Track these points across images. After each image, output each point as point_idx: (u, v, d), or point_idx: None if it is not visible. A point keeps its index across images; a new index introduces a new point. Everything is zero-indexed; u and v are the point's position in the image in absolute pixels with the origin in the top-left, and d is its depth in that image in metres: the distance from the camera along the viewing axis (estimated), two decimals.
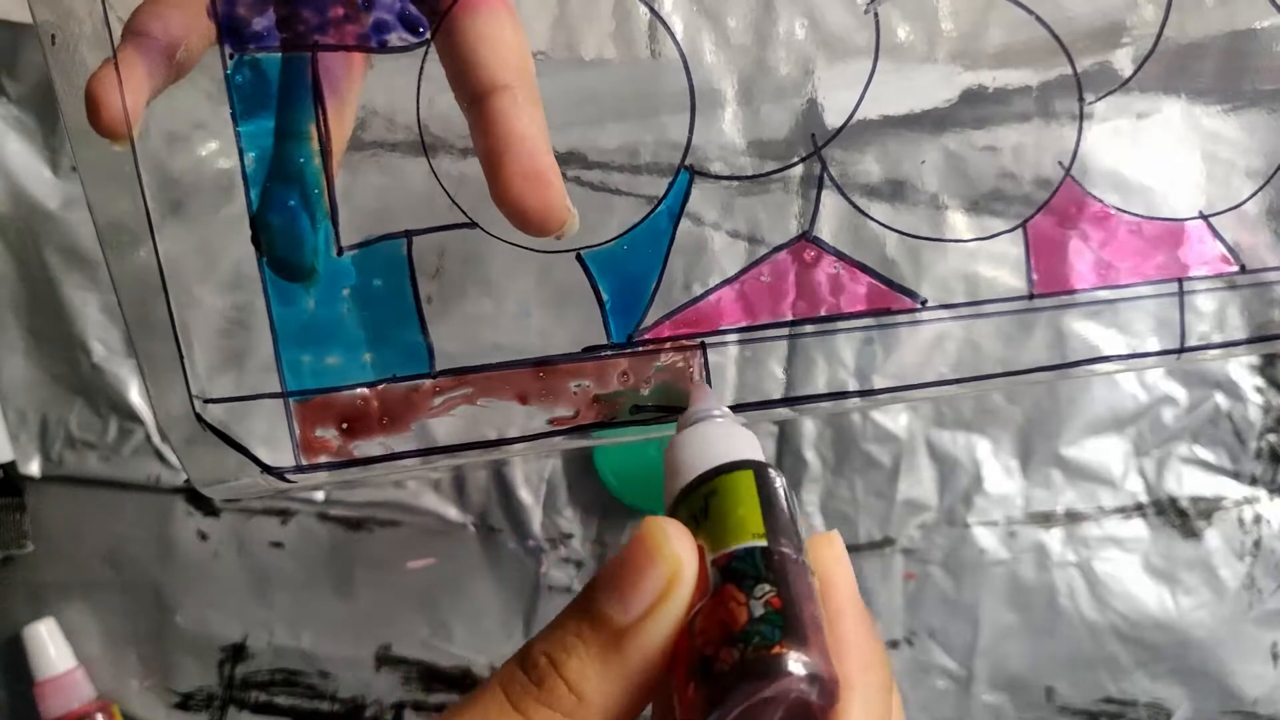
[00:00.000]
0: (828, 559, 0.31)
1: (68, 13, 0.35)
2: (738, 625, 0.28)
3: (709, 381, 0.41)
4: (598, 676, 0.29)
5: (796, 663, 0.27)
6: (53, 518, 0.71)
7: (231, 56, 0.35)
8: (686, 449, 0.33)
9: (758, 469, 0.32)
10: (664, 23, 0.40)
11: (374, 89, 0.38)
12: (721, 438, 0.34)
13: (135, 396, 0.71)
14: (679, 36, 0.40)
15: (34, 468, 0.71)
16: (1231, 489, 0.72)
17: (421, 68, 0.37)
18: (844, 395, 0.44)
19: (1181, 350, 0.43)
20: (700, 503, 0.32)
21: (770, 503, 0.31)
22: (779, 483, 0.32)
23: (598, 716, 0.29)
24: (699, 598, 0.29)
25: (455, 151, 0.39)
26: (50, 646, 0.69)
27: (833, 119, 0.41)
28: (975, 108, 0.42)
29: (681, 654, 0.29)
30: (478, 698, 0.30)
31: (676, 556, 0.29)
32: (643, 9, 0.40)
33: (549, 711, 0.29)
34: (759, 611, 0.28)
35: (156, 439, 0.71)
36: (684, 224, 0.41)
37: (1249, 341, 0.44)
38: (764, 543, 0.30)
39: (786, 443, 0.71)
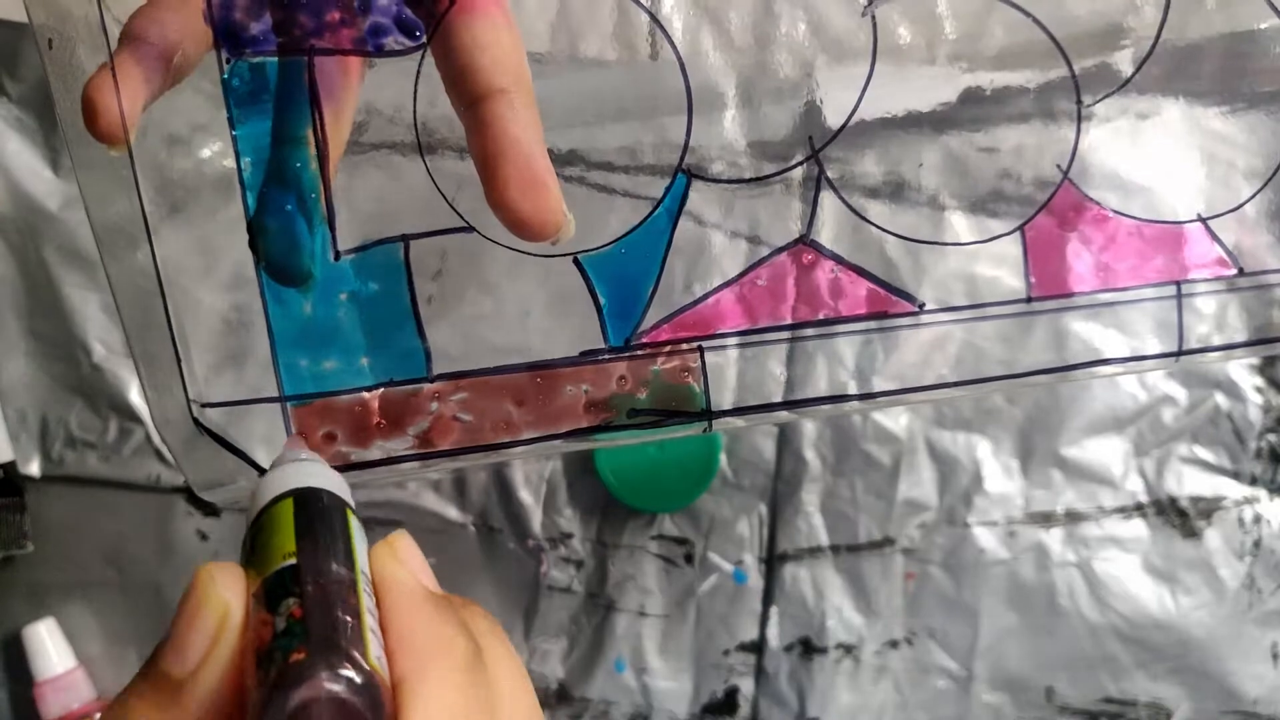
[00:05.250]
0: (383, 561, 0.31)
1: (64, 16, 0.35)
2: (264, 645, 0.28)
3: (707, 383, 0.41)
4: None
5: (317, 666, 0.27)
6: (53, 518, 0.71)
7: (228, 61, 0.35)
8: (253, 498, 0.33)
9: (299, 495, 0.32)
10: (661, 26, 0.40)
11: (375, 88, 0.38)
12: (282, 477, 0.33)
13: (135, 396, 0.71)
14: (678, 37, 0.40)
15: (34, 468, 0.71)
16: (1231, 489, 0.72)
17: (418, 72, 0.37)
18: (844, 399, 0.44)
19: (1180, 353, 0.43)
20: (251, 540, 0.31)
21: (307, 523, 0.31)
22: (325, 502, 0.32)
23: None
24: (249, 634, 0.29)
25: (455, 152, 0.39)
26: (50, 646, 0.69)
27: (833, 120, 0.41)
28: (975, 108, 0.42)
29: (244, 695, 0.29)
30: None
31: (222, 600, 0.29)
32: (643, 13, 0.40)
33: None
34: (281, 626, 0.28)
35: (156, 439, 0.71)
36: (685, 225, 0.41)
37: (1248, 344, 0.44)
38: (293, 561, 0.29)
39: (787, 443, 0.71)
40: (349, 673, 0.27)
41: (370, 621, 0.29)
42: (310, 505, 0.32)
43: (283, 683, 0.26)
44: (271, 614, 0.28)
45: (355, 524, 0.32)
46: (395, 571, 0.31)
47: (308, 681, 0.26)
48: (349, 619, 0.29)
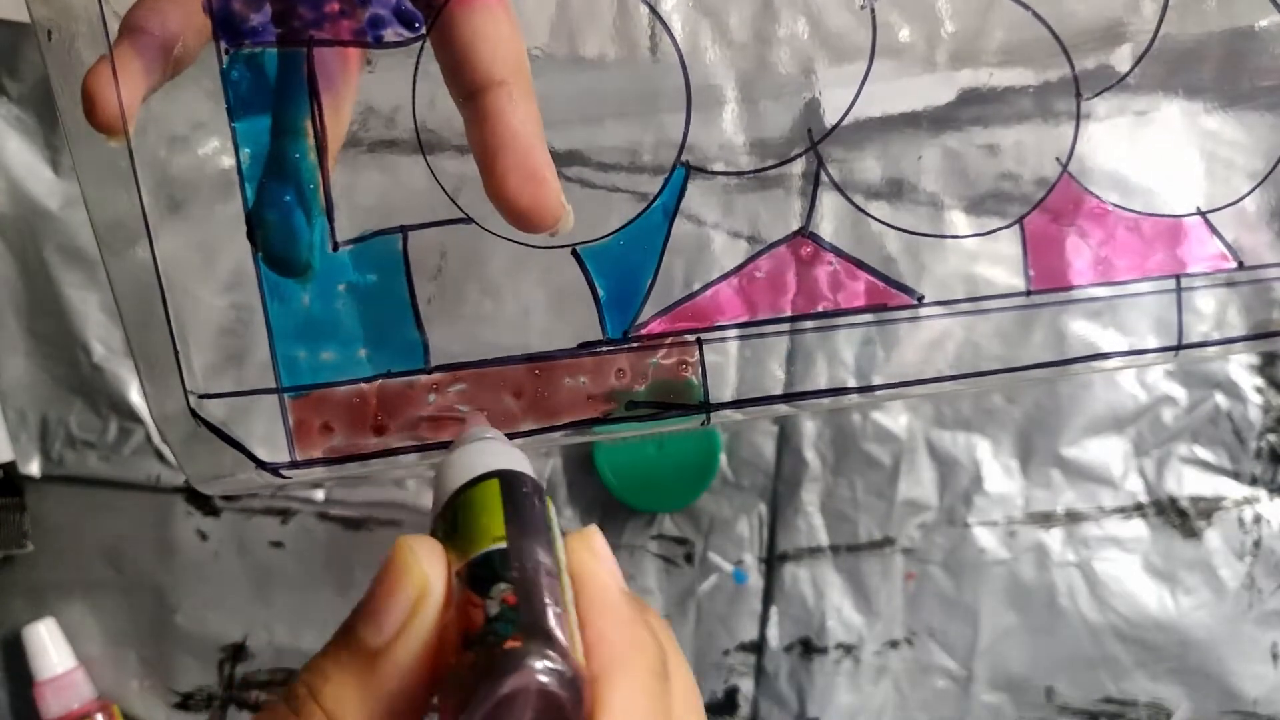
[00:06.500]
0: (582, 556, 0.31)
1: (64, 9, 0.35)
2: (475, 628, 0.28)
3: (705, 375, 0.41)
4: (356, 701, 0.29)
5: (531, 656, 0.27)
6: (53, 518, 0.71)
7: (227, 52, 0.36)
8: (447, 472, 0.33)
9: (504, 477, 0.32)
10: (662, 21, 0.40)
11: (374, 87, 0.38)
12: (479, 455, 0.33)
13: (135, 396, 0.71)
14: (678, 35, 0.40)
15: (34, 468, 0.71)
16: (1231, 489, 0.72)
17: (417, 64, 0.37)
18: (843, 391, 0.44)
19: (1179, 347, 0.43)
20: (450, 518, 0.32)
21: (515, 508, 0.31)
22: (528, 488, 0.32)
23: None
24: (449, 611, 0.29)
25: (454, 150, 0.39)
26: (50, 646, 0.69)
27: (833, 118, 0.41)
28: (974, 107, 0.42)
29: (439, 668, 0.29)
30: None
31: (422, 573, 0.29)
32: (643, 8, 0.40)
33: None
34: (494, 611, 0.28)
35: (156, 439, 0.71)
36: (685, 224, 0.41)
37: (1247, 339, 0.44)
38: (504, 545, 0.30)
39: (786, 442, 0.71)
40: (560, 666, 0.27)
41: (572, 615, 0.29)
42: (516, 489, 0.32)
43: (495, 669, 0.27)
44: (482, 597, 0.28)
45: (553, 513, 0.32)
46: (593, 566, 0.31)
47: (521, 670, 0.27)
48: (558, 609, 0.29)
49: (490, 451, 0.34)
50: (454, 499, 0.32)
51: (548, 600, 0.29)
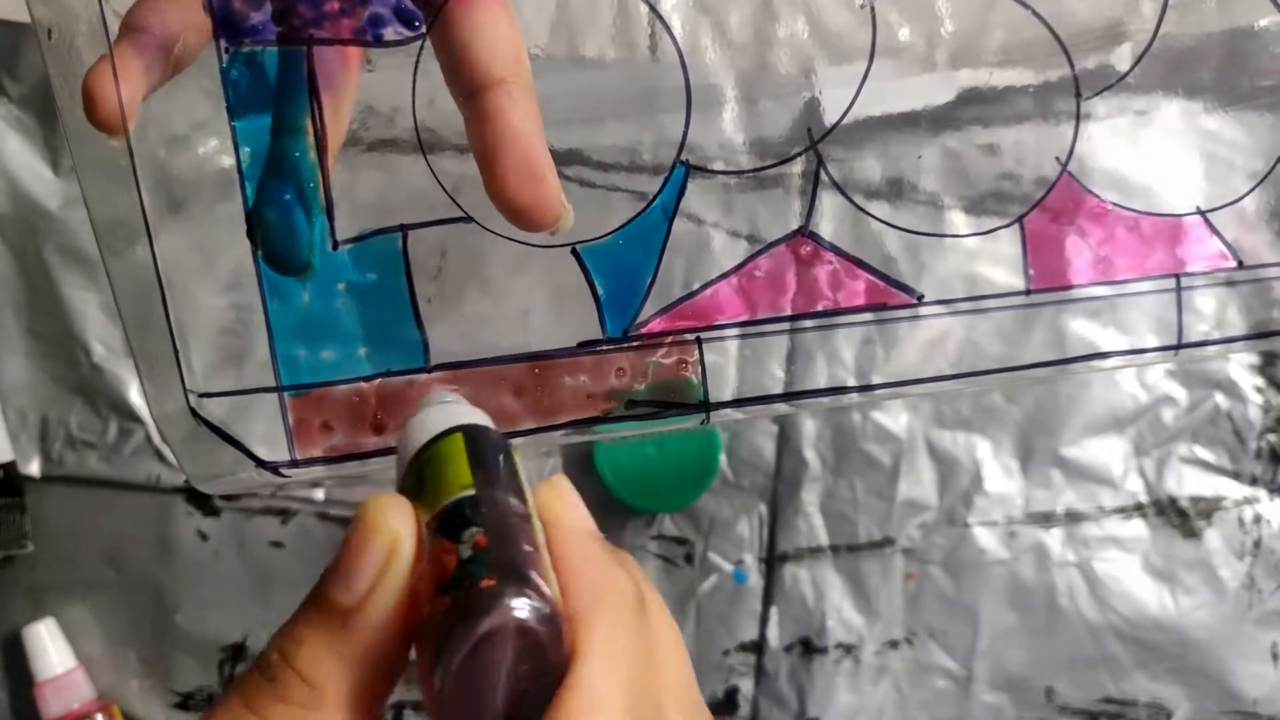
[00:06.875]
0: (552, 502, 0.32)
1: (64, 9, 0.35)
2: (448, 573, 0.28)
3: (705, 374, 0.41)
4: (330, 662, 0.28)
5: (507, 594, 0.27)
6: (53, 518, 0.71)
7: (227, 51, 0.36)
8: (410, 433, 0.33)
9: (468, 430, 0.32)
10: (662, 20, 0.40)
11: (374, 86, 0.38)
12: (441, 414, 0.33)
13: (135, 396, 0.71)
14: (678, 34, 0.40)
15: (34, 468, 0.71)
16: (1231, 489, 0.72)
17: (417, 63, 0.37)
18: (843, 390, 0.44)
19: (1179, 346, 0.43)
20: (416, 474, 0.32)
21: (480, 457, 0.31)
22: (493, 439, 0.32)
23: (335, 702, 0.28)
24: (421, 564, 0.29)
25: (454, 149, 0.39)
26: (50, 646, 0.69)
27: (832, 118, 0.41)
28: (974, 107, 0.42)
29: (413, 622, 0.29)
30: (216, 709, 0.29)
31: (391, 529, 0.29)
32: (643, 7, 0.40)
33: (285, 706, 0.28)
34: (467, 554, 0.28)
35: (156, 439, 0.71)
36: (685, 224, 0.41)
37: (1246, 338, 0.44)
38: (472, 492, 0.30)
39: (787, 443, 0.71)
40: (536, 602, 0.27)
41: (545, 556, 0.29)
42: (481, 440, 0.32)
43: (472, 609, 0.27)
44: (454, 543, 0.28)
45: (520, 462, 0.32)
46: (563, 511, 0.31)
47: (498, 609, 0.27)
48: (531, 549, 0.29)
49: (451, 412, 0.34)
50: (419, 456, 0.32)
51: (521, 541, 0.29)
